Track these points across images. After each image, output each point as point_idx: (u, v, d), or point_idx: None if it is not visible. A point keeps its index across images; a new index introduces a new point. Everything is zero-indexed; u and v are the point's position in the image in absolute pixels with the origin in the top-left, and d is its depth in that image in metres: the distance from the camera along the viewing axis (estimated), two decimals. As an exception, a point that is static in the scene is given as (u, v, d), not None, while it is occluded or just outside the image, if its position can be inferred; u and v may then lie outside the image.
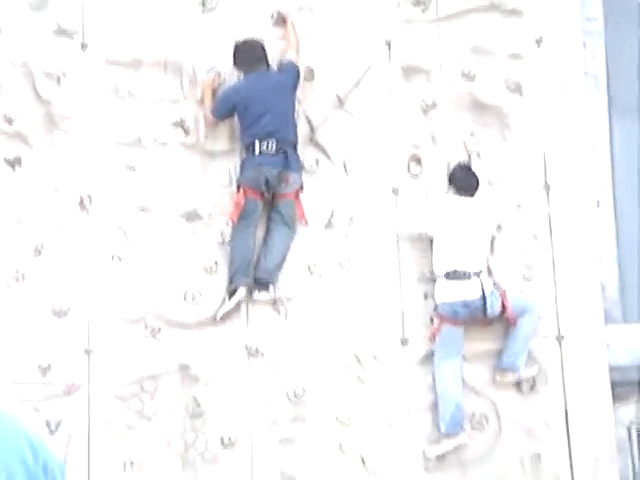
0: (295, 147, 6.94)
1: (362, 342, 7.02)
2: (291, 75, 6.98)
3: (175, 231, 7.04)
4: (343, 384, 6.97)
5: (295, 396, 6.93)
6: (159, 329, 6.91)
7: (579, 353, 7.10)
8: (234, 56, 7.00)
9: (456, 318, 6.82)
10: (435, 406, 6.98)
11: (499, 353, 7.01)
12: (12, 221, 6.96)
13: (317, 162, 7.20)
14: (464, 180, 7.04)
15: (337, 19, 7.34)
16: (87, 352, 6.85)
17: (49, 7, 7.18)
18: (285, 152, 6.85)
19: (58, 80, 7.12)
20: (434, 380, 6.97)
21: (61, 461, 1.94)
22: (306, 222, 7.02)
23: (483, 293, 6.81)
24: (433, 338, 6.90)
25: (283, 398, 6.94)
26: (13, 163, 7.04)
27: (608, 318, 7.31)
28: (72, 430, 6.77)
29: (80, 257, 6.95)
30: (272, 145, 6.80)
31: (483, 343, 7.04)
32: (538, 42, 7.40)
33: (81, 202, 7.00)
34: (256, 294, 6.95)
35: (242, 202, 6.81)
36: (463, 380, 7.00)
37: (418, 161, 7.22)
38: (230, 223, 6.90)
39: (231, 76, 7.09)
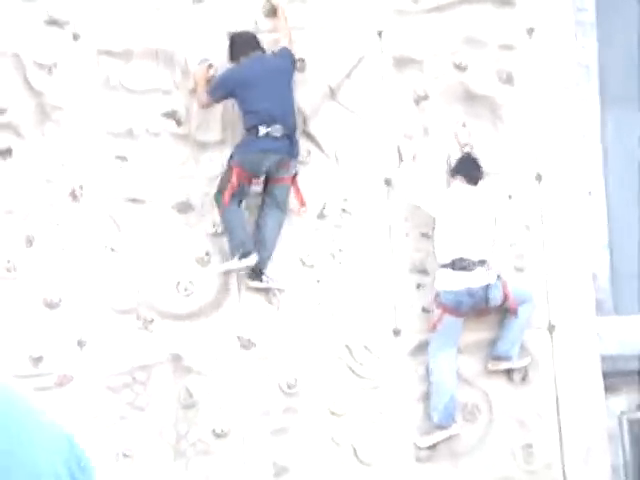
0: (295, 132, 6.94)
1: (354, 333, 7.02)
2: (288, 60, 6.99)
3: (167, 222, 7.02)
4: (335, 375, 6.98)
5: (287, 387, 6.94)
6: (151, 320, 6.90)
7: (570, 343, 7.11)
8: (230, 48, 6.98)
9: (459, 308, 6.81)
10: (427, 397, 6.99)
11: (492, 343, 7.02)
12: (3, 212, 6.93)
13: (309, 153, 7.20)
14: (469, 169, 7.04)
15: (329, 10, 7.31)
16: (79, 343, 6.84)
17: (40, -3, 7.15)
18: (290, 137, 6.86)
19: (49, 70, 7.09)
20: (427, 370, 6.98)
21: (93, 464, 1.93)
22: (306, 209, 7.00)
23: (488, 282, 6.80)
24: (434, 328, 6.88)
25: (275, 389, 6.94)
26: (4, 154, 7.01)
27: (599, 308, 7.33)
28: (64, 421, 6.75)
29: (72, 248, 6.93)
30: (277, 129, 6.79)
31: (475, 334, 7.05)
32: (530, 33, 7.39)
33: (72, 193, 6.98)
34: (250, 281, 6.95)
35: (235, 184, 6.79)
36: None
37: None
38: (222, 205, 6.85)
39: (223, 67, 7.06)
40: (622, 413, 7.36)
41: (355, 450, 6.93)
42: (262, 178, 6.96)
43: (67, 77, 7.08)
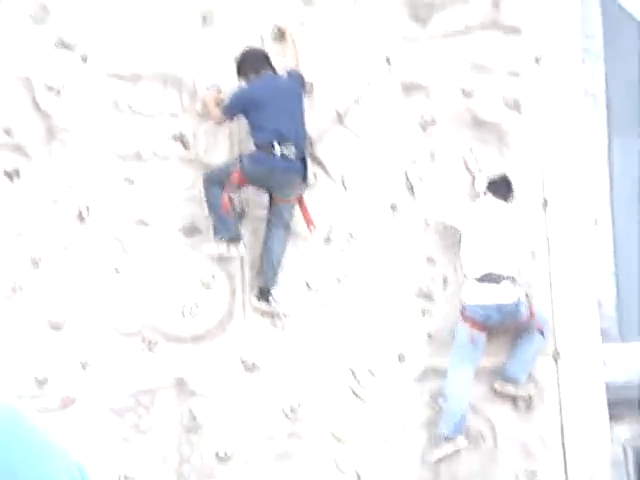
0: (306, 155, 6.96)
1: (359, 358, 7.01)
2: (298, 82, 7.02)
3: (173, 245, 7.03)
4: (339, 400, 6.96)
5: (291, 411, 6.92)
6: (156, 342, 6.90)
7: (575, 371, 7.09)
8: (240, 63, 6.97)
9: (486, 322, 6.79)
10: (432, 423, 6.97)
11: (497, 370, 6.98)
12: (10, 233, 6.95)
13: (316, 177, 7.21)
14: (501, 187, 7.04)
15: (337, 35, 7.35)
16: (83, 365, 6.83)
17: (50, 20, 7.19)
18: (303, 159, 6.87)
19: (58, 92, 7.12)
20: (430, 398, 6.96)
21: None
22: (315, 227, 7.01)
23: (518, 298, 6.78)
24: (471, 341, 6.82)
25: (279, 413, 6.93)
26: (12, 175, 7.03)
27: (605, 336, 7.31)
28: (68, 443, 6.74)
29: (77, 269, 6.93)
30: (292, 150, 6.81)
31: (481, 360, 7.03)
32: (537, 60, 7.41)
33: (79, 214, 6.99)
34: (256, 302, 6.95)
35: (234, 185, 6.79)
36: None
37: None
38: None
39: (232, 90, 7.08)
40: (626, 441, 7.32)
41: (359, 476, 6.91)
42: (267, 198, 6.97)
43: (75, 99, 7.11)
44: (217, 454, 6.83)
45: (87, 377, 6.83)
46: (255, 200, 7.08)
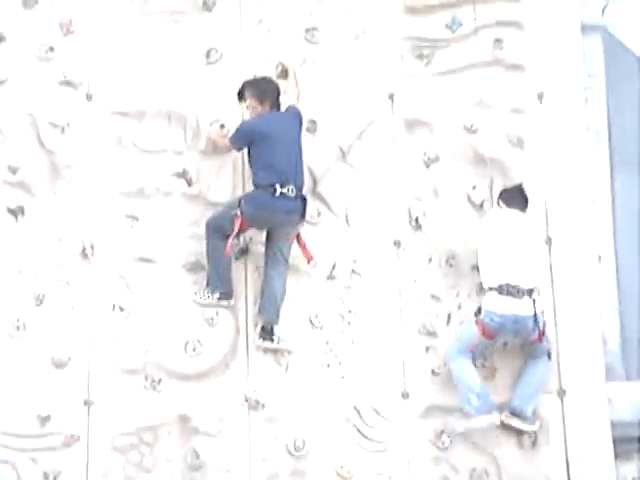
0: (302, 191, 6.98)
1: (363, 395, 6.99)
2: (299, 120, 7.04)
3: (177, 282, 7.04)
4: (344, 437, 6.93)
5: (295, 449, 6.89)
6: (159, 380, 6.89)
7: (581, 408, 7.06)
8: (256, 86, 6.98)
9: (499, 332, 6.76)
10: (437, 460, 6.94)
11: (502, 406, 6.95)
12: (14, 270, 6.97)
13: (319, 213, 7.23)
14: (514, 194, 7.04)
15: (340, 72, 7.40)
16: (87, 403, 6.82)
17: (55, 58, 7.24)
18: (302, 198, 6.89)
19: (62, 130, 7.17)
20: (435, 436, 6.94)
21: None
22: (315, 263, 7.01)
23: (535, 312, 6.76)
24: (474, 347, 6.79)
25: (283, 451, 6.90)
26: (16, 212, 7.06)
27: (610, 373, 7.28)
28: (70, 481, 6.74)
29: (81, 307, 6.94)
30: (292, 190, 6.83)
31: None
32: (540, 97, 7.45)
33: (83, 252, 7.01)
34: (260, 341, 6.95)
35: (236, 232, 6.83)
36: (463, 435, 6.96)
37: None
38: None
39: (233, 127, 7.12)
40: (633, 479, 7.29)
41: (363, 514, 6.87)
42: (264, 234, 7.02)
43: (80, 137, 7.16)
44: (220, 492, 6.81)
45: (90, 415, 6.81)
46: (258, 237, 7.08)
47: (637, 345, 7.63)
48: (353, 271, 7.17)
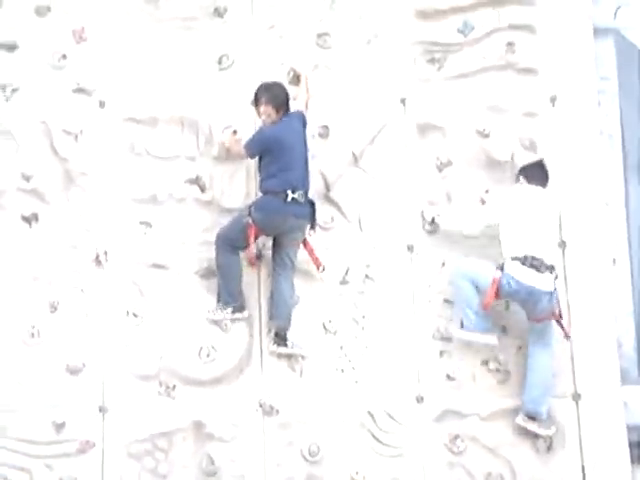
0: (312, 197, 7.02)
1: (377, 400, 6.98)
2: (305, 125, 7.05)
3: (190, 288, 7.05)
4: (358, 442, 6.92)
5: (310, 454, 6.89)
6: (174, 386, 6.89)
7: (596, 412, 7.03)
8: (272, 92, 6.97)
9: (510, 296, 6.79)
10: (452, 465, 6.93)
11: (516, 411, 6.94)
12: (28, 277, 6.99)
13: (332, 219, 7.23)
14: (535, 170, 7.02)
15: (352, 77, 7.40)
16: (101, 409, 6.83)
17: (68, 66, 7.27)
18: (311, 202, 6.91)
19: (76, 137, 7.20)
20: (450, 440, 6.93)
21: None
22: (324, 267, 7.02)
23: (553, 289, 6.77)
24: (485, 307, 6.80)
25: (298, 456, 6.89)
26: (30, 220, 7.09)
27: (625, 376, 7.26)
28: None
29: (95, 314, 6.95)
30: (302, 195, 6.86)
31: (499, 401, 6.99)
32: (553, 100, 7.44)
33: (97, 258, 7.03)
34: (274, 347, 6.96)
35: (252, 242, 6.86)
36: (478, 440, 6.94)
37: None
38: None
39: (247, 134, 7.13)
40: (649, 483, 7.25)
41: (378, 519, 6.86)
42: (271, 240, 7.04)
43: (93, 144, 7.18)
44: (235, 498, 6.81)
45: (105, 421, 6.82)
46: (270, 243, 7.08)
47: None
48: (366, 276, 7.16)
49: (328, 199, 7.26)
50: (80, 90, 7.25)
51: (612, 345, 7.16)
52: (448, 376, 7.04)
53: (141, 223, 7.12)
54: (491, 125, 7.37)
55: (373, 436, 6.95)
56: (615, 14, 7.92)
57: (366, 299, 7.14)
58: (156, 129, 7.25)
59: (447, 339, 7.09)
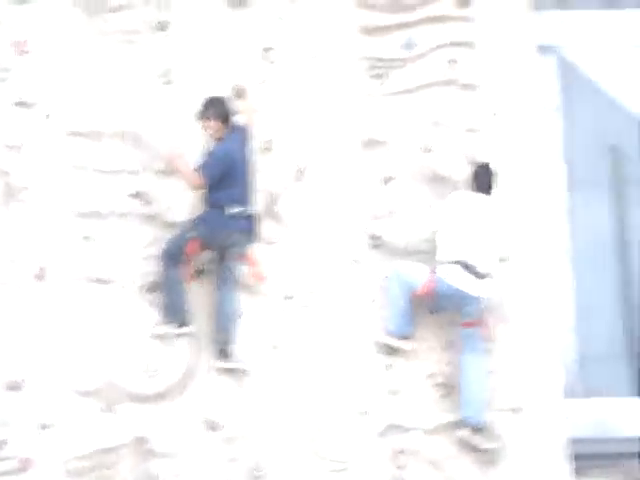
0: (255, 211, 7.04)
1: (322, 414, 6.97)
2: (250, 140, 7.06)
3: (133, 303, 7.01)
4: (302, 457, 6.91)
5: (255, 470, 6.87)
6: (116, 402, 6.84)
7: (538, 426, 7.08)
8: (220, 107, 6.96)
9: (442, 299, 6.86)
10: (396, 479, 6.94)
11: (459, 423, 6.97)
12: (-32, 292, 6.92)
13: (276, 233, 7.23)
14: (479, 176, 7.06)
15: (297, 92, 7.42)
16: (42, 426, 6.76)
17: (10, 79, 7.22)
18: (254, 216, 6.94)
19: (18, 150, 7.14)
20: (393, 453, 6.94)
21: None
22: (264, 279, 7.04)
23: (481, 297, 6.83)
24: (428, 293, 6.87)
25: (243, 472, 6.87)
26: (-30, 234, 7.02)
27: (568, 390, 7.32)
28: (25, 506, 6.67)
29: (36, 329, 6.89)
30: (246, 210, 6.89)
31: (442, 415, 7.02)
32: (495, 115, 7.50)
33: (38, 273, 6.97)
34: (218, 362, 6.93)
35: (193, 254, 6.85)
36: (422, 454, 6.96)
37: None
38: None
39: (190, 147, 7.12)
40: (592, 496, 7.31)
41: (323, 535, 6.85)
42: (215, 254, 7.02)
43: (35, 157, 7.13)
44: (179, 515, 6.77)
45: (46, 438, 6.75)
46: (213, 257, 7.08)
47: (594, 363, 7.67)
48: (310, 291, 7.17)
49: (272, 214, 7.26)
50: (22, 103, 7.19)
51: (554, 359, 7.21)
52: (392, 390, 7.05)
53: (84, 238, 7.07)
54: (434, 140, 7.42)
55: (317, 451, 6.94)
56: (555, 31, 8.03)
57: (311, 313, 7.14)
58: (99, 143, 7.22)
59: (393, 353, 7.11)
